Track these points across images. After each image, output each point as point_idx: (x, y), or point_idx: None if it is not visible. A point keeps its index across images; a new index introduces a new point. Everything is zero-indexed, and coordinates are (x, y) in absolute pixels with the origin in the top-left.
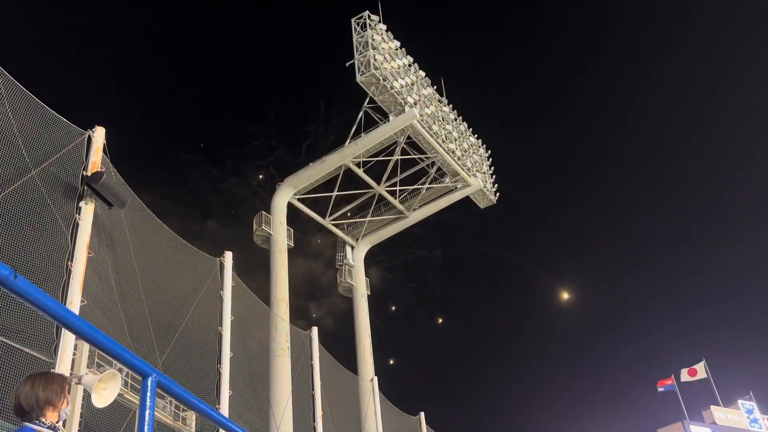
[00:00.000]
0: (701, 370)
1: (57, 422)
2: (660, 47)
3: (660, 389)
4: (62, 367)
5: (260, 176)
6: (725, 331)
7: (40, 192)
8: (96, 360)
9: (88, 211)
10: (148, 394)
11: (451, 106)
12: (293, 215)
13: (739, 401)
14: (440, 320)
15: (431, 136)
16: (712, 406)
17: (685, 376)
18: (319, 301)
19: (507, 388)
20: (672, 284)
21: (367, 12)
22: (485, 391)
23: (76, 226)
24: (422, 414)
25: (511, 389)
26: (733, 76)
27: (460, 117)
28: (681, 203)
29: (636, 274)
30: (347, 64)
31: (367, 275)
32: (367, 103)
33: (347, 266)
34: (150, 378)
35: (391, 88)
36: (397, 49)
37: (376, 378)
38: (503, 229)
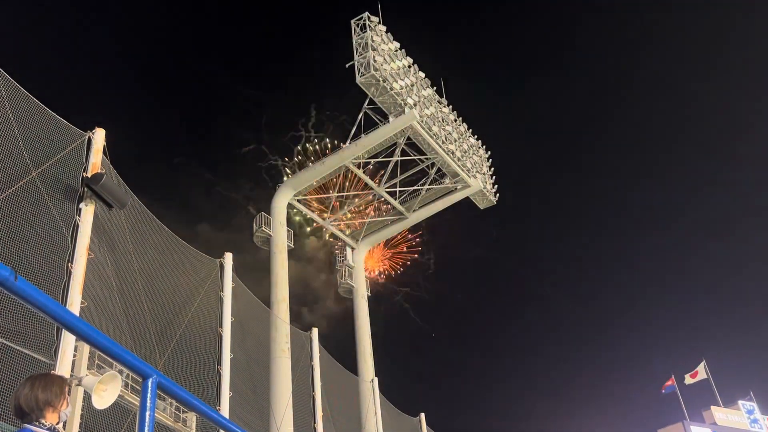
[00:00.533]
0: (701, 370)
1: (57, 423)
2: (651, 48)
3: (664, 392)
4: (62, 368)
5: (251, 181)
6: (725, 331)
7: (40, 193)
8: (96, 361)
9: (88, 212)
10: (149, 395)
11: (450, 107)
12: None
13: (740, 401)
14: (437, 322)
15: (431, 137)
16: (712, 407)
17: (688, 380)
18: (312, 306)
19: (508, 389)
20: (672, 284)
21: (367, 13)
22: (486, 393)
23: (76, 227)
24: (422, 415)
25: (512, 390)
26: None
27: (460, 118)
28: (681, 204)
29: (636, 274)
30: (347, 66)
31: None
32: (367, 105)
33: (347, 267)
34: (150, 379)
35: (391, 89)
36: (396, 50)
37: (376, 379)
38: (497, 231)
